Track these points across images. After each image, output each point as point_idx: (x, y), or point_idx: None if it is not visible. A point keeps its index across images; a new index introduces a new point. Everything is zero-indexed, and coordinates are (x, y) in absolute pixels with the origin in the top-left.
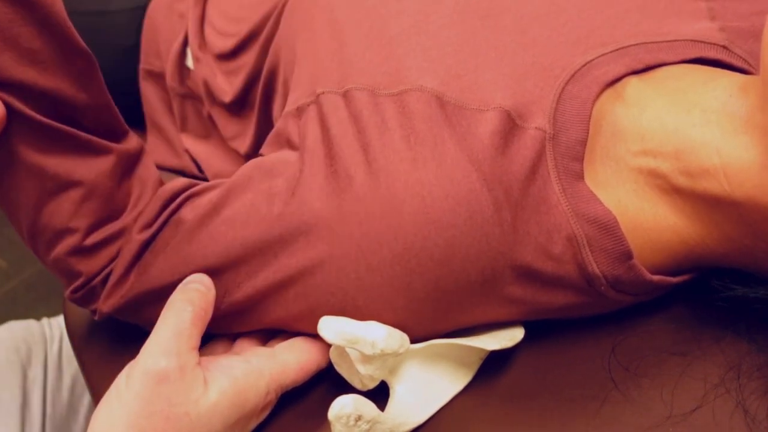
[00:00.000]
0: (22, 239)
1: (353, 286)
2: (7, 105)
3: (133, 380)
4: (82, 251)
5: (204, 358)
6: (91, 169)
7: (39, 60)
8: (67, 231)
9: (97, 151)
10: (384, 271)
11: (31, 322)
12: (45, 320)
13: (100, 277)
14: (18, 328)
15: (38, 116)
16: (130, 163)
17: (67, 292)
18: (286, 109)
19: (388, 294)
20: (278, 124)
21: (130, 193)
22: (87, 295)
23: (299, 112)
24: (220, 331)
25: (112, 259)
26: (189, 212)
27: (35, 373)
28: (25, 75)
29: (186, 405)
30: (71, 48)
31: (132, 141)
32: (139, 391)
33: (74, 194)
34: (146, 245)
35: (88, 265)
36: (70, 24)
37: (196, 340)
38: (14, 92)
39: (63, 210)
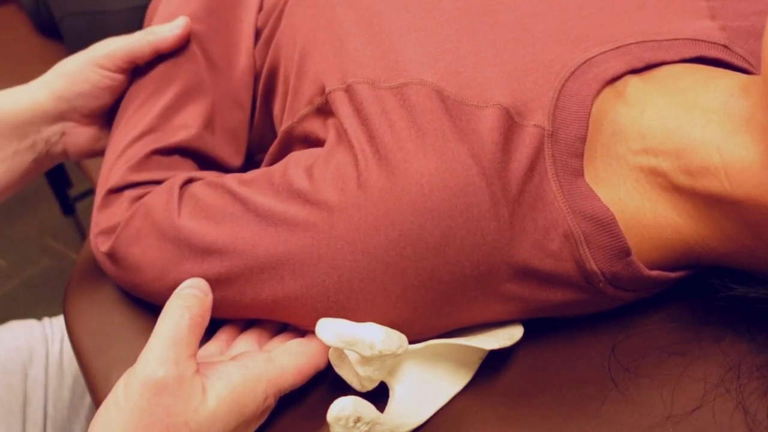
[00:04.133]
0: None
1: (348, 269)
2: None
3: (130, 390)
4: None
5: (201, 365)
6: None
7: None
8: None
9: None
10: (379, 257)
11: (32, 322)
12: (46, 320)
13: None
14: (19, 328)
15: None
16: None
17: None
18: (302, 111)
19: (383, 280)
20: (297, 131)
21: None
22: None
23: (320, 112)
24: (217, 315)
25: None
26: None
27: (36, 372)
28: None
29: (185, 414)
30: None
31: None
32: (137, 402)
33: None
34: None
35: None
36: None
37: (194, 348)
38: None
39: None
